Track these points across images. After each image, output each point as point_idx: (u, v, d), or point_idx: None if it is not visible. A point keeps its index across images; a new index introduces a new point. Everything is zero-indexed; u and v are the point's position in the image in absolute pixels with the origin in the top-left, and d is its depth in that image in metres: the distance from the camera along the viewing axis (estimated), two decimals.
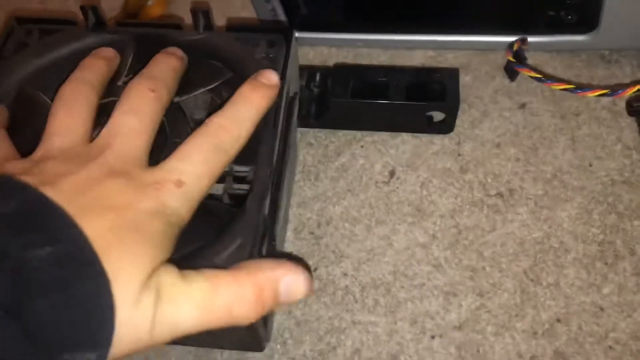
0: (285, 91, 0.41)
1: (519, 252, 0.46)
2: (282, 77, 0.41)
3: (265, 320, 0.40)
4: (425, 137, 0.51)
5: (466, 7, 0.52)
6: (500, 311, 0.44)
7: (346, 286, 0.46)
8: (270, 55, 0.43)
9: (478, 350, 0.43)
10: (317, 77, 0.51)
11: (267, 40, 0.44)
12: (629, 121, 0.49)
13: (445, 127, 0.50)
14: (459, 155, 0.50)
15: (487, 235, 0.47)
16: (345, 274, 0.47)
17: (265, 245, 0.37)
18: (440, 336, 0.44)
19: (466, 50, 0.54)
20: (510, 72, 0.50)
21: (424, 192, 0.49)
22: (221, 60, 0.42)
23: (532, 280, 0.45)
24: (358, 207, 0.49)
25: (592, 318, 0.43)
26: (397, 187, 0.49)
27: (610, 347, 0.42)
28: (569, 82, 0.48)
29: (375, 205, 0.49)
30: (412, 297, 0.45)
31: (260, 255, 0.36)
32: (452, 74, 0.48)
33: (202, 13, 0.43)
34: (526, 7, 0.50)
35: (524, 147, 0.50)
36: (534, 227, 0.46)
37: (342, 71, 0.50)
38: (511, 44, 0.48)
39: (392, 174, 0.50)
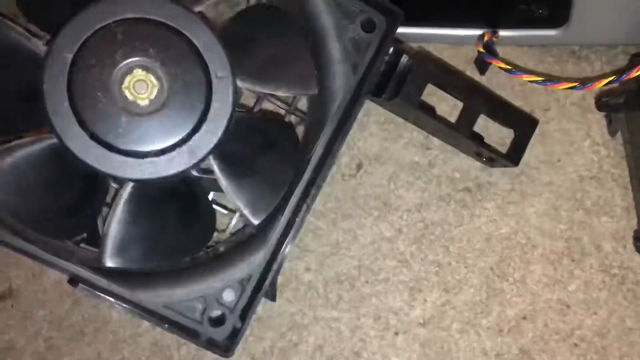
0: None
1: (485, 247, 0.45)
2: (364, 78, 0.38)
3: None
4: (393, 131, 0.50)
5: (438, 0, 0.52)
6: (466, 307, 0.43)
7: (309, 281, 0.45)
8: (361, 39, 0.38)
9: (442, 347, 0.42)
10: (401, 60, 0.42)
11: (367, 19, 0.38)
12: (597, 117, 0.48)
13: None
14: (427, 149, 0.49)
15: (454, 230, 0.46)
16: (308, 269, 0.45)
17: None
18: (404, 332, 0.43)
19: (436, 44, 0.53)
20: (481, 65, 0.49)
21: (391, 186, 0.48)
22: None
23: (498, 276, 0.44)
24: (324, 201, 0.47)
25: (558, 315, 0.42)
26: (364, 181, 0.48)
27: (575, 344, 0.41)
28: (538, 74, 0.47)
29: (342, 199, 0.47)
30: (376, 292, 0.44)
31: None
32: (532, 123, 0.46)
33: None
34: (497, 0, 0.50)
35: None
36: (501, 223, 0.46)
37: (424, 68, 0.43)
38: (481, 35, 0.47)
39: (359, 167, 0.49)
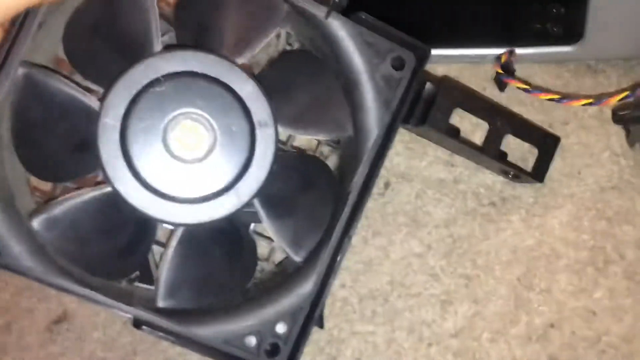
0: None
1: (512, 259, 0.47)
2: (396, 114, 0.40)
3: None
4: (419, 149, 0.52)
5: (455, 21, 0.53)
6: (495, 318, 0.45)
7: (345, 297, 0.47)
8: (392, 76, 0.40)
9: (474, 356, 0.44)
10: (426, 87, 0.44)
11: (396, 56, 0.40)
12: (616, 129, 0.50)
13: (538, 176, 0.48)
14: (452, 166, 0.51)
15: (481, 243, 0.48)
16: (343, 285, 0.48)
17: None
18: (438, 344, 0.45)
19: (456, 64, 0.55)
20: (500, 83, 0.51)
21: (419, 203, 0.50)
22: None
23: (525, 286, 0.46)
24: None
25: (584, 322, 0.44)
26: (393, 199, 0.50)
27: (603, 350, 0.43)
28: (555, 93, 0.49)
29: (372, 217, 0.50)
30: (409, 306, 0.46)
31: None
32: (554, 140, 0.47)
33: None
34: (513, 20, 0.52)
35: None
36: (526, 235, 0.47)
37: (450, 94, 0.45)
38: (499, 57, 0.49)
39: (387, 185, 0.51)
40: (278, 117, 0.37)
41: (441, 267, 0.47)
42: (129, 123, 0.35)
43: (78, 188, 0.38)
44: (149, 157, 0.36)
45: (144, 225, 0.38)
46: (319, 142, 0.43)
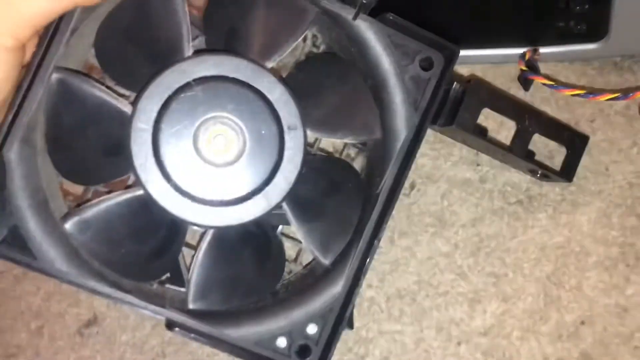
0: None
1: (540, 257, 0.47)
2: (425, 115, 0.40)
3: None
4: (444, 149, 0.52)
5: (478, 22, 0.54)
6: (525, 316, 0.45)
7: (372, 297, 0.48)
8: (420, 77, 0.40)
9: (504, 355, 0.44)
10: (453, 87, 0.44)
11: (425, 57, 0.40)
12: None
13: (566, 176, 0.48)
14: (478, 165, 0.51)
15: (509, 242, 0.48)
16: (370, 285, 0.48)
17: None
18: (467, 342, 0.45)
19: (480, 64, 0.55)
20: (524, 82, 0.51)
21: (445, 203, 0.50)
22: None
23: (554, 284, 0.46)
24: None
25: (616, 319, 0.44)
26: (419, 199, 0.50)
27: (636, 347, 0.42)
28: (580, 88, 0.49)
29: (397, 218, 0.50)
30: (437, 305, 0.46)
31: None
32: (583, 140, 0.47)
33: None
34: (536, 19, 0.52)
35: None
36: (555, 232, 0.47)
37: (477, 94, 0.44)
38: (523, 54, 0.49)
39: (412, 186, 0.51)
40: (306, 121, 0.37)
41: (469, 266, 0.47)
42: (161, 127, 0.36)
43: (110, 191, 0.39)
44: (180, 160, 0.36)
45: (175, 228, 0.38)
46: (346, 144, 0.44)
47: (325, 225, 0.40)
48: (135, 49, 0.37)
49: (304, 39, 0.42)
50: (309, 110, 0.38)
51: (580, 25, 0.50)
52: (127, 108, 0.36)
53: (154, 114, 0.36)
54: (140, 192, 0.37)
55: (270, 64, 0.38)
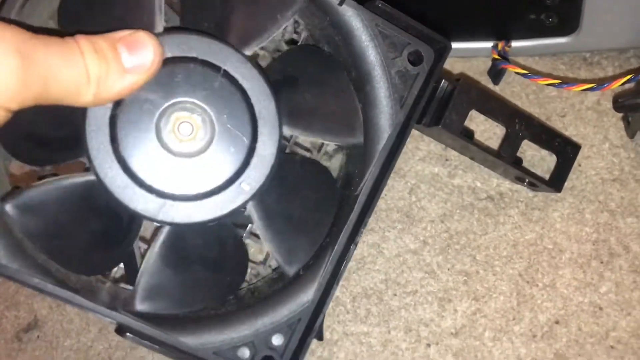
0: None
1: (512, 254, 0.45)
2: (412, 111, 0.37)
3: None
4: (411, 144, 0.50)
5: (448, 15, 0.52)
6: (497, 315, 0.43)
7: (337, 297, 0.45)
8: (408, 72, 0.37)
9: (476, 356, 0.41)
10: (441, 85, 0.42)
11: (414, 51, 0.37)
12: (614, 120, 0.49)
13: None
14: (447, 160, 0.49)
15: (480, 239, 0.46)
16: None
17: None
18: (437, 344, 0.42)
19: (449, 58, 0.54)
20: (495, 75, 0.49)
21: (413, 198, 0.48)
22: None
23: (527, 282, 0.44)
24: None
25: (591, 318, 0.42)
26: (385, 194, 0.48)
27: (611, 346, 0.41)
28: (554, 77, 0.48)
29: None
30: (405, 305, 0.44)
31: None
32: (574, 148, 0.45)
33: None
34: (507, 12, 0.50)
35: None
36: (526, 229, 0.45)
37: (466, 94, 0.42)
38: (495, 45, 0.48)
39: None
40: (283, 118, 0.34)
41: (438, 264, 0.45)
42: (120, 110, 0.32)
43: (56, 175, 0.35)
44: (139, 147, 0.33)
45: (127, 220, 0.35)
46: (322, 143, 0.40)
47: (293, 232, 0.37)
48: (102, 17, 0.33)
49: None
50: (287, 107, 0.35)
51: (552, 18, 0.49)
52: None
53: None
54: (92, 177, 0.33)
55: (248, 52, 0.34)
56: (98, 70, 0.28)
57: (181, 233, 0.35)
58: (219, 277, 0.37)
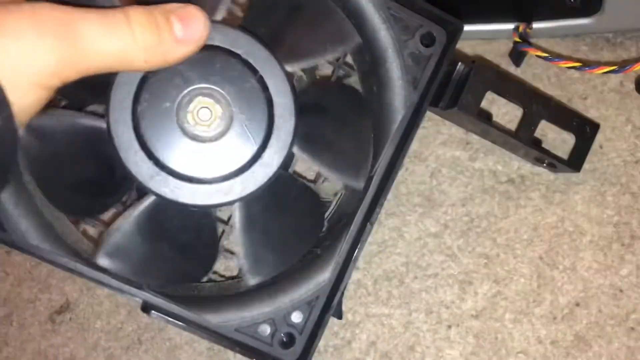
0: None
1: (533, 237, 0.45)
2: (425, 94, 0.38)
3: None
4: (432, 127, 0.50)
5: None
6: (518, 297, 0.43)
7: (358, 279, 0.46)
8: (421, 53, 0.38)
9: (497, 338, 0.42)
10: (457, 68, 0.42)
11: (426, 32, 0.38)
12: (637, 102, 0.48)
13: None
14: (467, 143, 0.49)
15: (500, 222, 0.46)
16: (356, 268, 0.46)
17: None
18: (458, 325, 0.43)
19: (469, 40, 0.54)
20: (516, 57, 0.49)
21: (434, 182, 0.48)
22: None
23: (548, 265, 0.44)
24: None
25: (611, 300, 0.42)
26: (406, 178, 0.49)
27: (632, 328, 0.41)
28: (575, 60, 0.47)
29: None
30: (426, 287, 0.45)
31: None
32: (593, 127, 0.45)
33: None
34: None
35: None
36: (547, 212, 0.46)
37: (482, 76, 0.42)
38: (517, 27, 0.48)
39: None
40: (300, 143, 0.35)
41: (459, 247, 0.45)
42: (153, 74, 0.33)
43: None
44: (155, 115, 0.34)
45: (120, 177, 0.35)
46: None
47: (267, 245, 0.38)
48: None
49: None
50: (304, 128, 0.35)
51: None
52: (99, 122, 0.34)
53: (134, 87, 0.33)
54: (104, 124, 0.34)
55: (289, 68, 0.35)
56: (150, 38, 0.29)
57: (164, 207, 0.35)
58: (184, 262, 0.37)
